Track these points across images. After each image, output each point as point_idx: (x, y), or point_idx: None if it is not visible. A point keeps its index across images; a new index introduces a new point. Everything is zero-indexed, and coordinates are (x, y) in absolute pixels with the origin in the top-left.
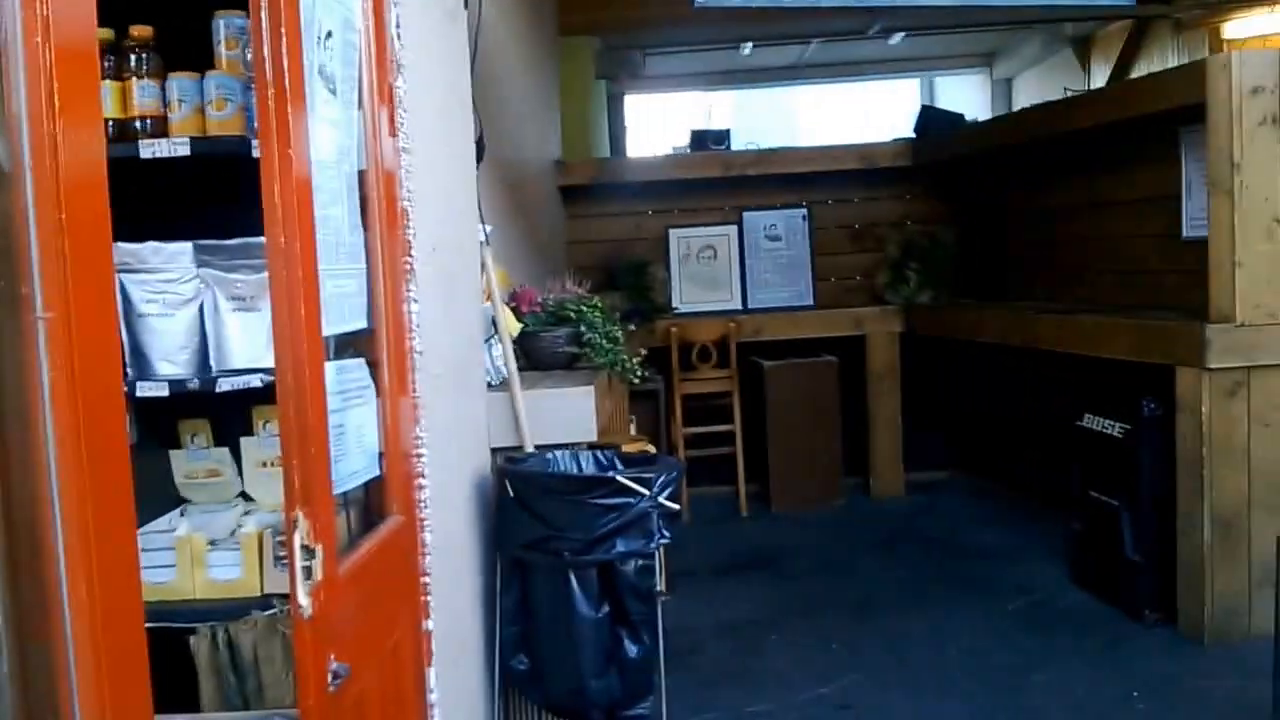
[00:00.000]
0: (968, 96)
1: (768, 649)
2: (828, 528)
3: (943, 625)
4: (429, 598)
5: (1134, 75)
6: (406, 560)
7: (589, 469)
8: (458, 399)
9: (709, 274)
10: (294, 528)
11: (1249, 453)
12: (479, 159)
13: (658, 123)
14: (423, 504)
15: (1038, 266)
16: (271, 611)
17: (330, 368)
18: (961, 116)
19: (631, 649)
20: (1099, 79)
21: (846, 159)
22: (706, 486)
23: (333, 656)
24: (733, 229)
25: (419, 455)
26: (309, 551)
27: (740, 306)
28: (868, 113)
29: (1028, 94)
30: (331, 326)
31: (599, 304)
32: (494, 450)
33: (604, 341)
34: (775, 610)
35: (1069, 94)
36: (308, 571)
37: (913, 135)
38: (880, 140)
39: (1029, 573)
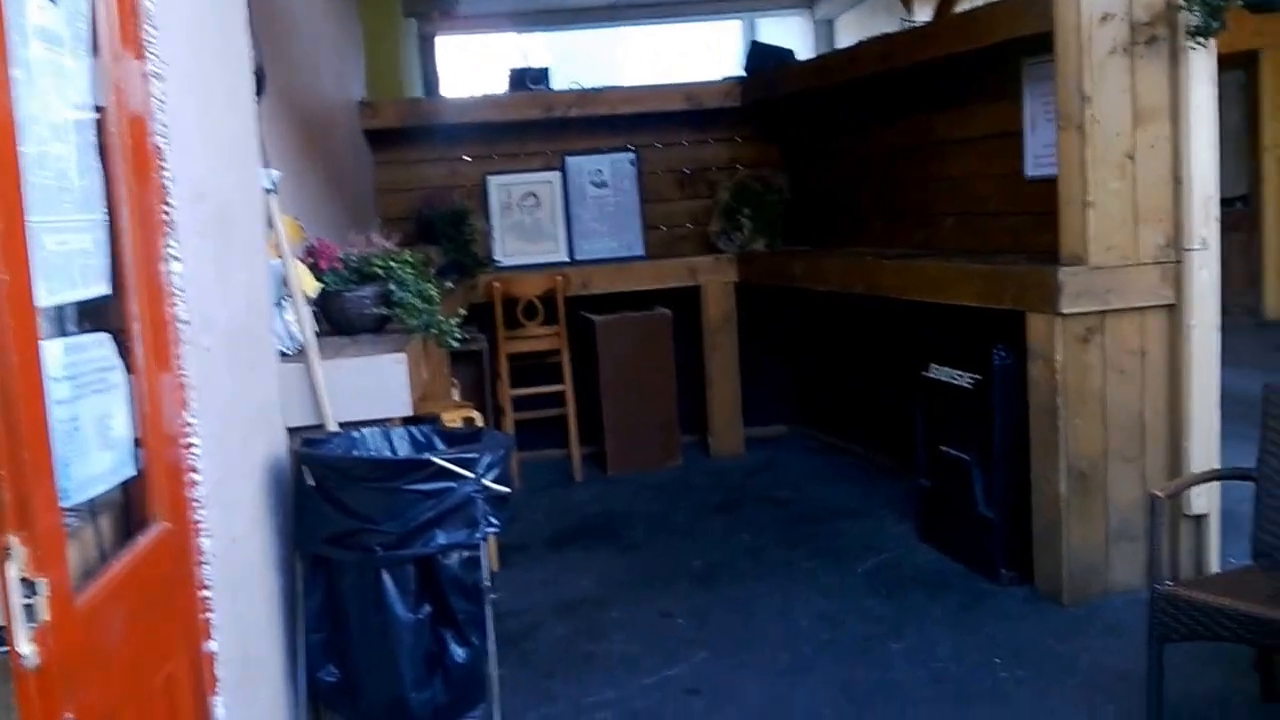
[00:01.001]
0: (790, 38)
1: (609, 628)
2: (667, 490)
3: (792, 592)
4: (211, 614)
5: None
6: (178, 573)
7: (403, 449)
8: (240, 374)
9: (532, 224)
10: (5, 558)
11: (1104, 401)
12: (259, 92)
13: (474, 66)
14: (197, 504)
15: (876, 210)
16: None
17: (54, 347)
18: (791, 53)
19: (458, 652)
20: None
21: (673, 99)
22: (538, 451)
23: (70, 716)
24: (556, 175)
25: (189, 445)
26: (30, 586)
27: (567, 258)
28: (692, 55)
29: (850, 35)
30: (55, 294)
31: (410, 259)
32: (290, 431)
33: (417, 301)
34: (615, 584)
35: (906, 25)
36: (30, 611)
37: (742, 74)
38: (708, 80)
39: (878, 531)
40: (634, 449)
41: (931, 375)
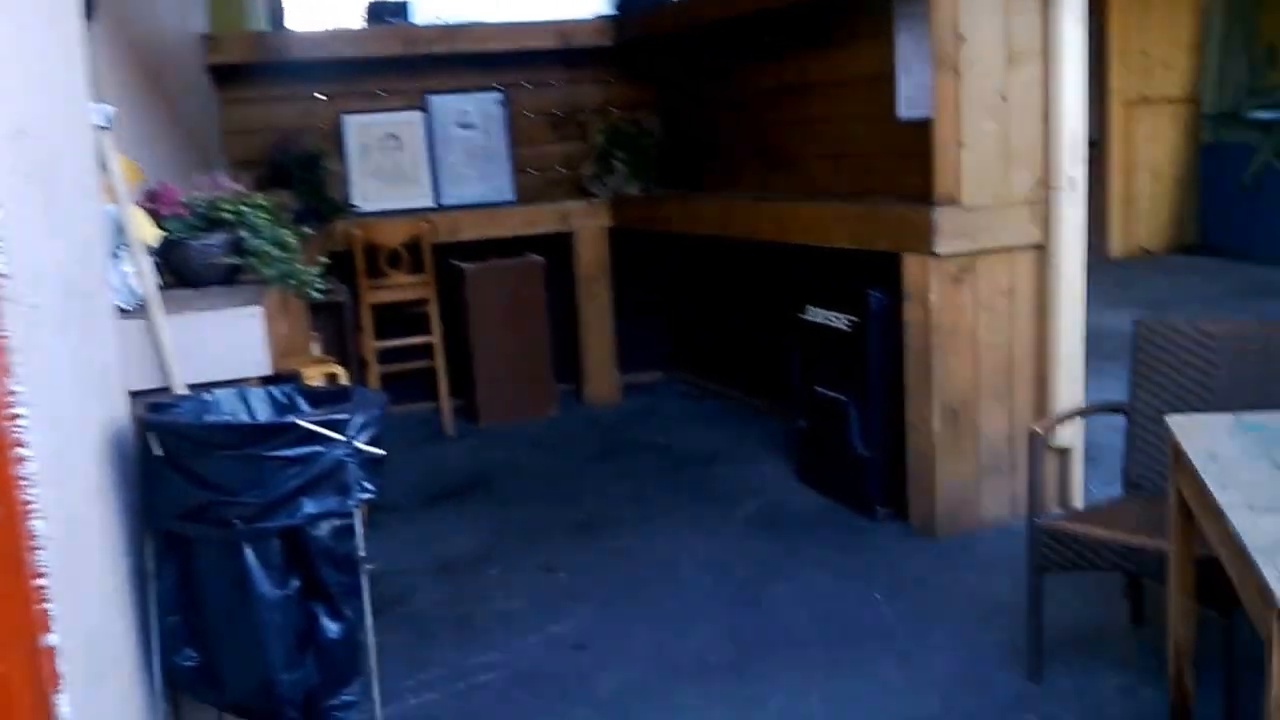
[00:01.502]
0: None
1: (489, 587)
2: (543, 441)
3: (675, 539)
4: (49, 605)
5: None
6: (7, 562)
7: (263, 412)
8: (73, 333)
9: (394, 167)
10: None
11: (975, 340)
12: (88, 16)
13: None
14: (27, 482)
15: (750, 153)
16: None
17: None
18: None
19: (330, 627)
20: None
21: (544, 36)
22: (405, 405)
23: None
24: (419, 116)
25: (15, 416)
26: None
27: (433, 204)
28: None
29: None
30: None
31: (264, 202)
32: (133, 395)
33: (273, 249)
34: (493, 540)
35: None
36: None
37: (615, 13)
38: (580, 17)
39: (757, 474)
40: (507, 400)
41: (808, 318)
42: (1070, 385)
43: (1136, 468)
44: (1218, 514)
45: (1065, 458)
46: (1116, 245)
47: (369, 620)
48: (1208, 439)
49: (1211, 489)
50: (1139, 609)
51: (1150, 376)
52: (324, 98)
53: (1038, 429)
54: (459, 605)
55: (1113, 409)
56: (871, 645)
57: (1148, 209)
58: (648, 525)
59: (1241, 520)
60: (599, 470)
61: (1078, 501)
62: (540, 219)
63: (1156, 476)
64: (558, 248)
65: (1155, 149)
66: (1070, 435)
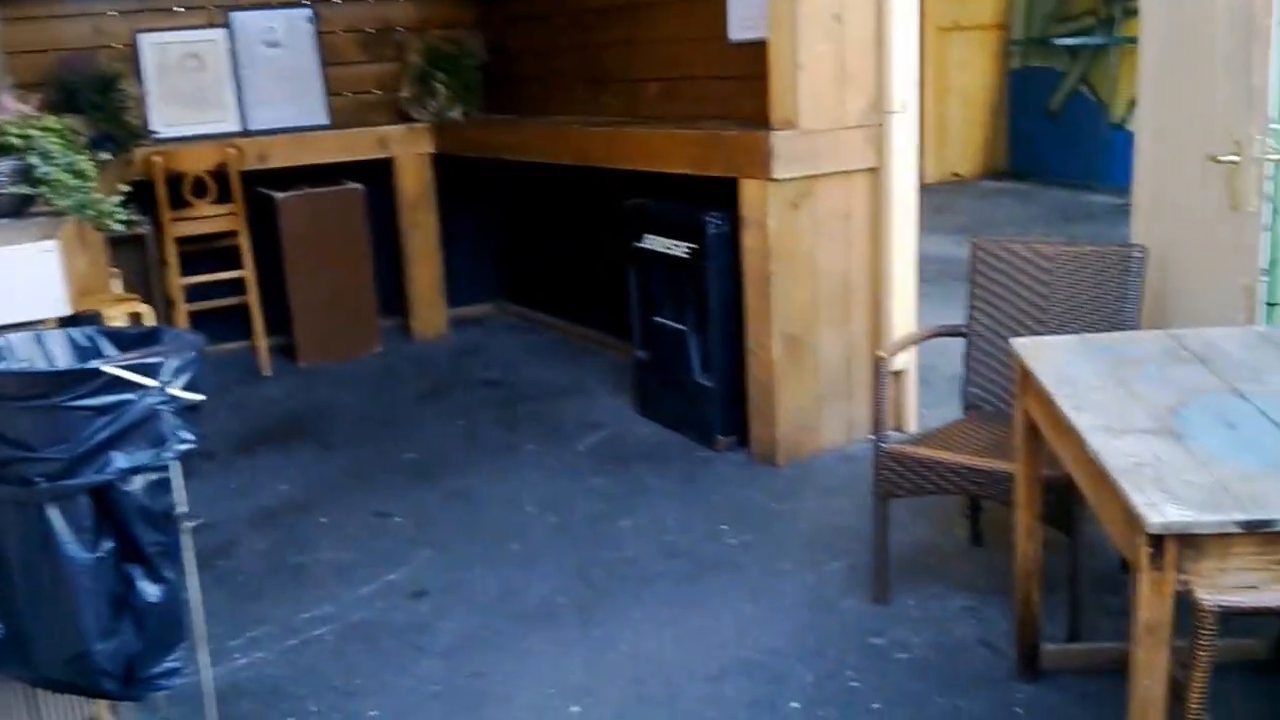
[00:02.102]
0: None
1: (318, 536)
2: (369, 380)
3: (515, 477)
4: None
5: None
6: None
7: (63, 358)
8: None
9: (196, 89)
10: None
11: (814, 264)
12: None
13: None
14: None
15: (579, 75)
16: None
17: None
18: None
19: (149, 591)
20: None
21: None
22: (218, 345)
23: None
24: (221, 34)
25: None
26: None
27: (239, 128)
28: None
29: None
30: None
31: (57, 126)
32: None
33: (68, 177)
34: (320, 487)
35: None
36: None
37: None
38: None
39: (596, 407)
40: (328, 337)
41: (645, 246)
42: (904, 309)
43: (975, 389)
44: (1074, 436)
45: (900, 380)
46: (930, 170)
47: (194, 580)
48: (1056, 361)
49: (1066, 412)
50: (978, 530)
51: (987, 299)
52: (115, 14)
53: (882, 354)
54: (287, 556)
55: (954, 332)
56: (720, 577)
57: (960, 135)
58: (485, 465)
59: (1101, 443)
60: (430, 409)
61: (914, 424)
62: (357, 145)
63: (995, 398)
64: (377, 175)
65: (967, 75)
66: (905, 359)
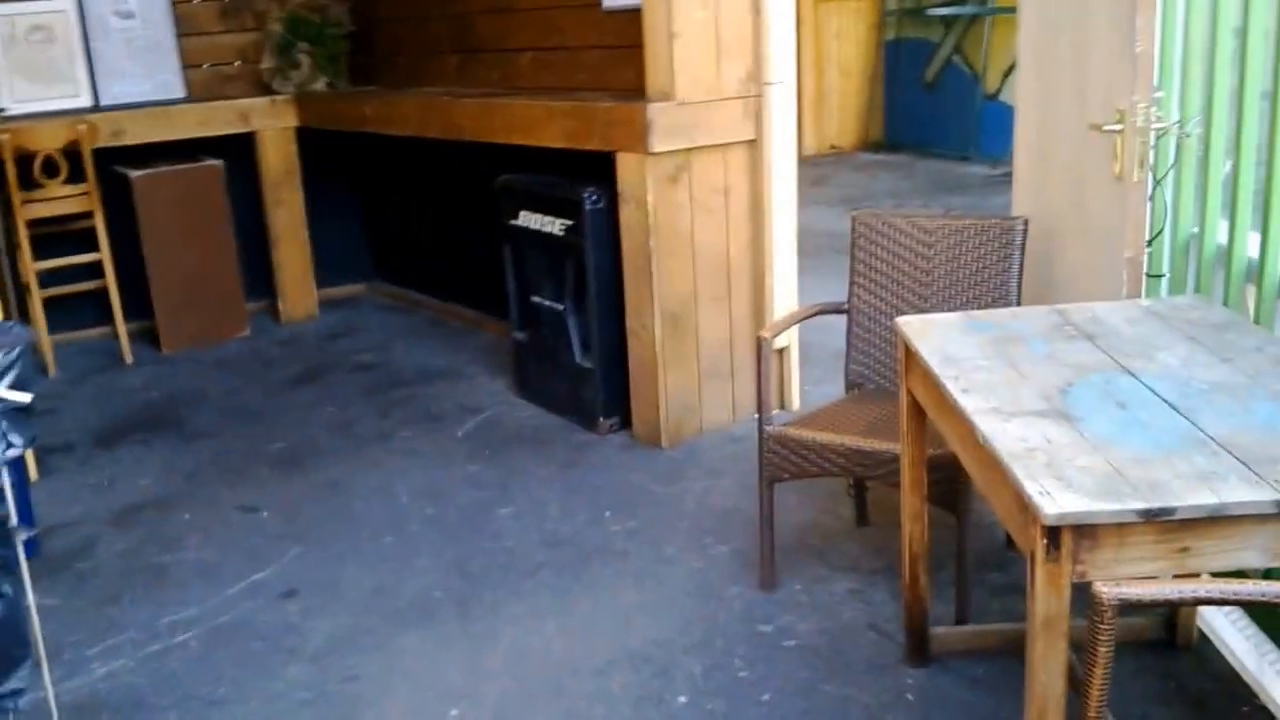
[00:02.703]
0: None
1: (181, 534)
2: (235, 366)
3: (390, 467)
4: None
5: None
6: None
7: None
8: None
9: (45, 63)
10: None
11: (694, 241)
12: None
13: None
14: None
15: (448, 45)
16: None
17: None
18: None
19: None
20: None
21: None
22: (75, 332)
23: None
24: (70, 4)
25: None
26: None
27: (91, 103)
28: None
29: None
30: None
31: None
32: None
33: None
34: (184, 481)
35: None
36: None
37: None
38: None
39: (473, 391)
40: (192, 322)
41: (520, 224)
42: (785, 285)
43: (857, 367)
44: (962, 419)
45: (783, 358)
46: (808, 143)
47: (31, 596)
48: (940, 339)
49: (953, 393)
50: (863, 511)
51: (867, 275)
52: None
53: (765, 334)
54: (148, 557)
55: (835, 310)
56: (605, 566)
57: (837, 106)
58: (357, 455)
59: (990, 427)
60: (300, 396)
61: (798, 402)
62: (216, 119)
63: (878, 376)
64: (239, 150)
65: (843, 46)
66: (787, 336)
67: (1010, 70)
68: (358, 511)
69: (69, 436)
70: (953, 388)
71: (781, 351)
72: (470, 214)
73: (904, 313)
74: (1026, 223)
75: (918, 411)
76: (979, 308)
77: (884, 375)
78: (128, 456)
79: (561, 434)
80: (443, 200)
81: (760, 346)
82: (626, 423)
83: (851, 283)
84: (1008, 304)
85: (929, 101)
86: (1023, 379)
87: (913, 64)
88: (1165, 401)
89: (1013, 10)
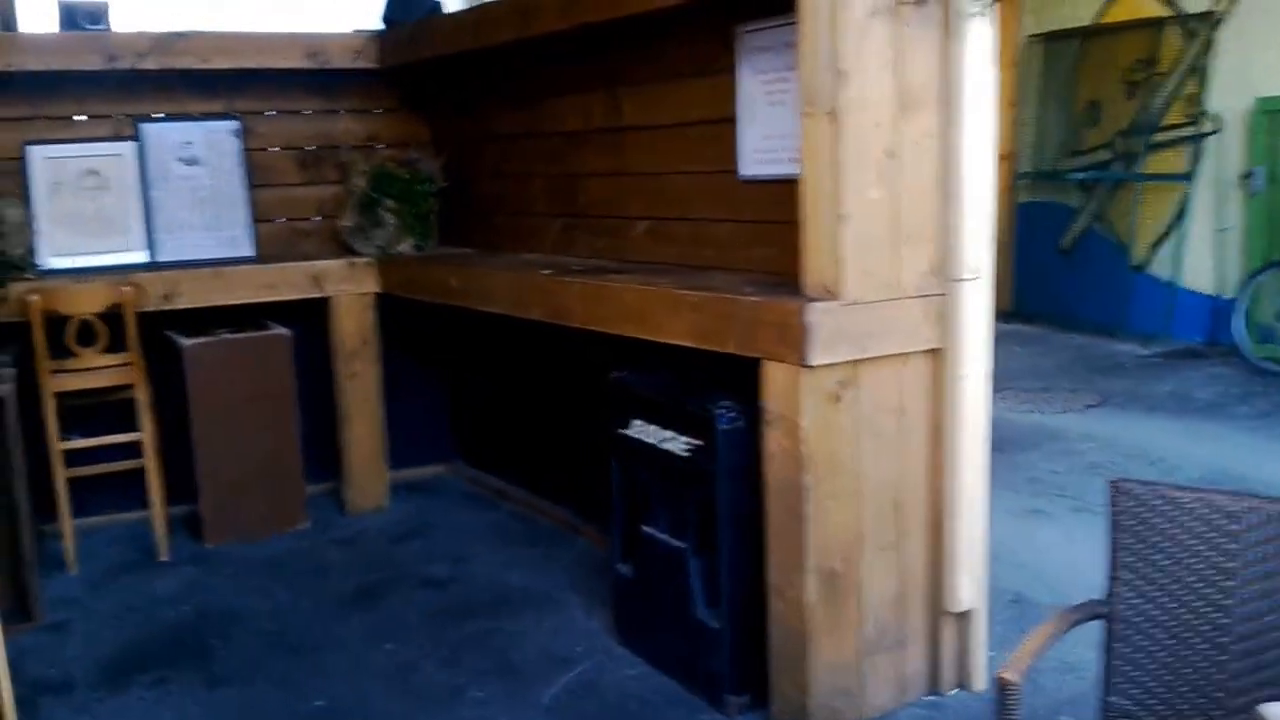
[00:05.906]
0: None
1: None
2: (286, 570)
3: None
4: None
5: None
6: None
7: None
8: None
9: (96, 212)
10: None
11: (860, 475)
12: None
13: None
14: None
15: (551, 206)
16: None
17: None
18: (438, 4)
19: None
20: None
21: (289, 53)
22: (107, 515)
23: None
24: (129, 147)
25: None
26: None
27: (147, 258)
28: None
29: None
30: None
31: None
32: None
33: None
34: None
35: None
36: None
37: (380, 28)
38: (335, 32)
39: (565, 631)
40: (242, 511)
41: (633, 434)
42: (972, 529)
43: (1123, 700)
44: None
45: (964, 621)
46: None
47: None
48: None
49: None
50: None
51: (1138, 568)
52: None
53: (1009, 676)
54: None
55: (1095, 615)
56: None
57: None
58: (421, 718)
59: None
60: (355, 624)
61: (982, 680)
62: (285, 282)
63: (1150, 713)
64: (309, 312)
65: None
66: (973, 593)
67: (1160, 241)
68: None
69: (69, 669)
70: None
71: (964, 615)
72: (571, 400)
73: (1196, 628)
74: None
75: None
76: None
77: (1164, 711)
78: (135, 707)
79: (674, 708)
80: (539, 381)
81: (1005, 693)
82: (761, 699)
83: (1113, 578)
84: None
85: (1066, 269)
86: None
87: (1046, 229)
88: None
89: (1165, 178)
